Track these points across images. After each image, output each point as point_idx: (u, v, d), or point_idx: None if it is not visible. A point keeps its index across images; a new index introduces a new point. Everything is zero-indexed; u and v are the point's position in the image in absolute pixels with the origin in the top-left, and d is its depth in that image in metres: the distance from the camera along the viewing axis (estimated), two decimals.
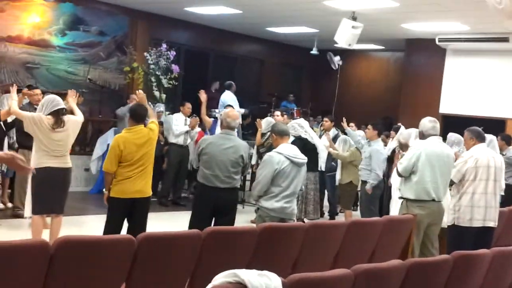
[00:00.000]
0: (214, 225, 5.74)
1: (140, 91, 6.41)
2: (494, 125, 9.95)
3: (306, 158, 5.73)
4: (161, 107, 10.22)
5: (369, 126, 8.35)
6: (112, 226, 5.71)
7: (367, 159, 8.15)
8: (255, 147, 9.37)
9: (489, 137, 6.91)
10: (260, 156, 9.07)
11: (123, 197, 5.68)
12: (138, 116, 5.78)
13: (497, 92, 11.29)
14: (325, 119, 9.85)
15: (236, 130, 6.23)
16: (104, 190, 5.91)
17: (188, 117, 9.75)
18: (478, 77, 11.56)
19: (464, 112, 11.50)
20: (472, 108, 11.51)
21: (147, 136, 5.73)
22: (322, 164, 8.97)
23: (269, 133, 8.86)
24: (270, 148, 8.69)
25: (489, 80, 11.40)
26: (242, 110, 11.39)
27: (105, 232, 5.67)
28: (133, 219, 5.78)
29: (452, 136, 6.56)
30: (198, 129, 9.86)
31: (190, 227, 5.87)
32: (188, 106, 9.81)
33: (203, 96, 8.81)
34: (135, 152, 5.64)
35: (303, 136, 8.34)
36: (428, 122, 5.88)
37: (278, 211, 5.53)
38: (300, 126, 8.43)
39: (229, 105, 10.29)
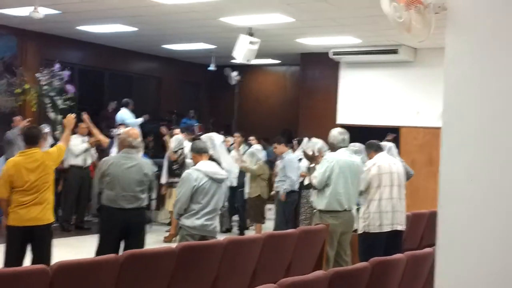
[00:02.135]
0: (124, 248, 5.58)
1: (72, 115, 6.05)
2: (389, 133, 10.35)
3: (226, 174, 5.73)
4: (47, 128, 9.77)
5: (275, 144, 8.50)
6: (11, 256, 5.41)
7: (282, 171, 8.27)
8: (165, 162, 9.23)
9: (388, 144, 7.22)
10: (172, 173, 8.95)
11: (19, 225, 5.38)
12: (30, 138, 5.51)
13: (390, 101, 11.79)
14: (236, 134, 9.86)
15: (138, 149, 6.06)
16: (1, 217, 5.57)
17: (87, 135, 9.47)
18: (372, 88, 12.02)
19: (360, 121, 11.90)
20: (368, 117, 11.95)
21: (40, 159, 5.43)
22: (233, 180, 9.00)
23: (180, 150, 8.79)
24: (183, 164, 8.63)
25: (382, 90, 11.89)
26: (140, 120, 11.20)
27: (5, 262, 5.38)
28: (35, 248, 5.49)
29: (355, 146, 6.79)
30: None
31: (98, 253, 5.63)
32: (83, 126, 9.51)
33: (84, 117, 8.57)
34: (26, 177, 5.34)
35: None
36: (339, 135, 6.07)
37: (199, 228, 5.47)
38: (211, 140, 8.41)
39: (121, 124, 10.13)
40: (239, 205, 9.70)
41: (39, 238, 5.48)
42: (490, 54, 2.78)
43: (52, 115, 10.93)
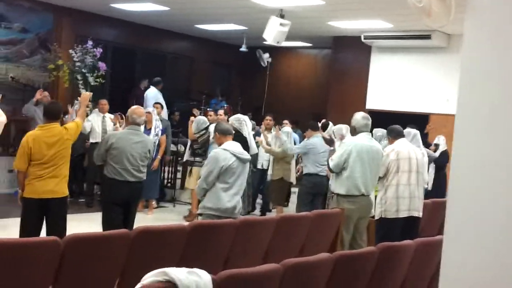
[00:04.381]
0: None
1: (87, 92, 6.30)
2: (418, 120, 10.26)
3: (249, 155, 5.76)
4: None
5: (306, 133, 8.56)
6: (27, 227, 5.53)
7: (304, 154, 8.31)
8: (188, 143, 9.31)
9: (412, 131, 7.15)
10: (193, 152, 9.02)
11: (35, 197, 5.50)
12: (51, 113, 5.62)
13: (420, 88, 11.65)
14: (268, 117, 9.85)
15: (142, 126, 6.57)
16: (18, 189, 5.71)
17: (112, 113, 9.60)
18: (403, 74, 11.89)
19: (390, 107, 11.80)
20: (397, 103, 11.83)
21: (59, 135, 5.55)
22: (264, 162, 9.08)
23: (204, 130, 8.87)
24: (204, 144, 8.70)
25: (413, 76, 11.74)
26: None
27: (20, 234, 5.50)
28: (49, 220, 5.61)
29: (378, 131, 6.74)
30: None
31: (105, 223, 5.98)
32: (103, 103, 9.63)
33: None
34: (45, 151, 5.46)
35: (243, 132, 8.37)
36: (362, 119, 6.04)
37: (224, 210, 5.41)
38: (240, 122, 8.45)
39: (157, 103, 10.23)
40: (264, 187, 9.76)
41: (54, 211, 5.58)
42: (508, 40, 2.72)
43: (83, 91, 11.11)
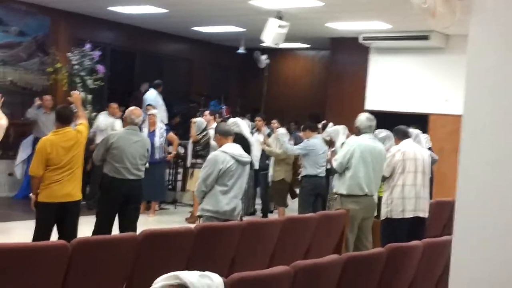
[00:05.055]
0: (121, 214, 6.27)
1: (76, 92, 6.34)
2: (417, 120, 10.26)
3: (249, 157, 5.75)
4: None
5: (301, 133, 8.55)
6: (41, 232, 5.54)
7: (303, 155, 8.29)
8: (190, 145, 9.32)
9: (415, 132, 7.15)
10: (196, 155, 9.02)
11: (52, 201, 5.53)
12: (64, 118, 5.65)
13: (419, 88, 11.65)
14: (257, 118, 9.87)
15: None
16: (31, 195, 5.70)
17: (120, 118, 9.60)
18: (401, 74, 11.90)
19: (389, 108, 11.79)
20: (397, 104, 11.84)
21: (74, 138, 5.62)
22: (255, 163, 9.01)
23: (204, 132, 8.87)
24: (206, 145, 8.69)
25: (412, 77, 11.75)
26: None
27: (34, 239, 5.49)
28: (63, 224, 5.63)
29: (381, 132, 6.75)
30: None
31: (99, 218, 6.23)
32: (113, 106, 9.64)
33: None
34: (62, 156, 5.51)
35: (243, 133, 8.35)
36: (366, 120, 6.05)
37: (223, 212, 5.39)
38: (238, 125, 8.43)
39: (149, 105, 10.25)
40: (261, 188, 9.74)
41: (68, 215, 5.63)
42: None
43: (82, 94, 11.08)
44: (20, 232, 6.92)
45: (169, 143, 9.56)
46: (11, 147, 10.32)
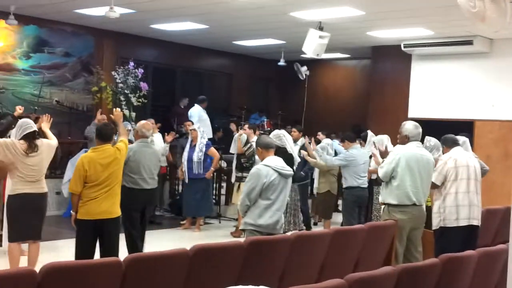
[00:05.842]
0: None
1: (118, 109, 6.44)
2: (463, 127, 10.09)
3: (291, 169, 5.72)
4: (128, 125, 10.09)
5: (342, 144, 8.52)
6: (82, 249, 5.60)
7: (343, 166, 8.21)
8: (234, 161, 9.33)
9: (462, 139, 7.02)
10: (240, 168, 9.04)
11: (89, 218, 5.56)
12: (104, 135, 5.70)
13: (464, 94, 11.47)
14: (293, 129, 9.84)
15: (150, 138, 7.23)
16: (71, 212, 5.77)
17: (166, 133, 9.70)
18: (445, 81, 11.73)
19: (433, 115, 11.65)
20: (441, 111, 11.67)
21: (113, 155, 5.65)
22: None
23: (248, 144, 8.88)
24: (251, 157, 8.69)
25: (456, 83, 11.58)
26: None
27: (76, 256, 5.57)
28: (103, 241, 5.67)
29: (430, 140, 6.65)
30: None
31: (128, 230, 6.69)
32: (151, 122, 9.74)
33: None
34: (100, 172, 5.54)
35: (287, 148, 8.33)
36: (415, 128, 5.96)
37: (266, 226, 5.34)
38: (280, 138, 8.41)
39: (189, 121, 10.35)
40: (301, 201, 9.68)
41: (108, 231, 5.64)
42: None
43: (126, 112, 11.27)
44: (68, 250, 6.99)
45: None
46: (58, 166, 10.54)
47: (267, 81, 16.42)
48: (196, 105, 11.65)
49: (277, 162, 5.50)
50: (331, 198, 8.87)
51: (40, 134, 6.11)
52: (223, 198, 10.85)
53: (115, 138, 6.14)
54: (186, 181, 9.24)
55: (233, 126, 11.06)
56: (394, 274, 3.67)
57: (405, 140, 5.92)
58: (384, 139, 7.48)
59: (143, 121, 7.28)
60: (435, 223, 5.97)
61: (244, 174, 8.79)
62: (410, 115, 11.91)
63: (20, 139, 5.78)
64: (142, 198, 6.78)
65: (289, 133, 8.45)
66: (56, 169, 10.54)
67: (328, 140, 9.54)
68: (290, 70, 13.40)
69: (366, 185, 8.19)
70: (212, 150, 9.30)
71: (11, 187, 5.81)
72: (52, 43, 11.53)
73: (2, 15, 10.24)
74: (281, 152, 7.76)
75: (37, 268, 3.55)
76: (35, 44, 11.28)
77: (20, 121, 5.99)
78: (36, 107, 10.42)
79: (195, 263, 4.12)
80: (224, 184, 10.89)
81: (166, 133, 8.98)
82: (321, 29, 9.83)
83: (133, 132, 9.45)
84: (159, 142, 9.24)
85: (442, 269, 3.97)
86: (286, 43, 12.55)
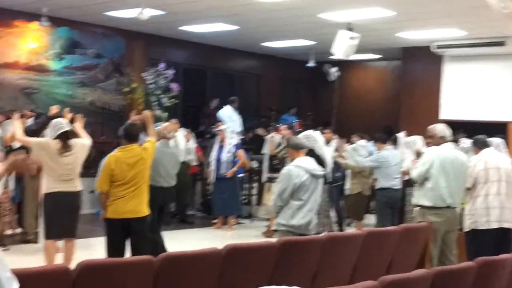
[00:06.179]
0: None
1: (147, 111, 6.50)
2: (496, 129, 9.93)
3: (323, 170, 5.70)
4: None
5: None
6: (112, 247, 5.67)
7: (375, 168, 8.17)
8: (266, 160, 9.38)
9: (495, 140, 6.91)
10: (272, 169, 9.06)
11: (117, 217, 5.62)
12: (130, 135, 5.75)
13: (496, 95, 11.31)
14: (326, 131, 9.82)
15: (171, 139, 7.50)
16: (101, 210, 5.84)
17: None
18: (477, 82, 11.59)
19: (465, 117, 11.50)
20: (473, 112, 11.53)
21: (139, 155, 5.68)
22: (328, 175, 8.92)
23: (280, 146, 8.88)
24: (283, 159, 8.68)
25: (488, 84, 11.43)
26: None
27: (107, 254, 5.63)
28: (132, 239, 5.71)
29: (465, 142, 6.58)
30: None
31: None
32: (174, 122, 9.78)
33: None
34: (126, 172, 5.59)
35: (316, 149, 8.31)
36: (447, 129, 5.92)
37: (298, 227, 5.36)
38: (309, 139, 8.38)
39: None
40: (335, 202, 9.64)
41: (136, 230, 5.69)
42: None
43: (158, 112, 11.36)
44: (102, 248, 7.10)
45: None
46: (91, 165, 10.66)
47: (297, 82, 16.39)
48: (227, 106, 11.68)
49: (308, 162, 5.48)
50: (363, 199, 8.82)
51: (73, 134, 6.19)
52: (254, 198, 10.87)
53: (143, 138, 6.16)
54: (213, 180, 9.32)
55: (261, 131, 11.07)
56: (429, 277, 3.62)
57: (440, 141, 5.85)
58: (417, 140, 7.43)
59: (165, 123, 7.71)
60: (467, 225, 5.90)
61: (275, 175, 8.79)
62: (442, 117, 11.79)
63: (54, 138, 5.87)
64: (160, 196, 6.85)
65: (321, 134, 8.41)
66: (89, 168, 10.67)
67: (362, 142, 9.49)
68: (320, 71, 13.35)
69: (399, 187, 8.13)
70: (239, 152, 9.40)
71: (46, 185, 5.91)
72: (84, 44, 11.68)
73: (35, 17, 10.41)
74: (311, 152, 7.76)
75: (72, 265, 3.59)
76: (67, 45, 11.44)
77: (53, 121, 6.09)
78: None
79: (227, 262, 4.12)
80: (255, 184, 10.91)
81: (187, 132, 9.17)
82: (350, 30, 9.77)
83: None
84: (181, 141, 9.34)
85: (478, 273, 3.90)
86: (316, 43, 12.52)
